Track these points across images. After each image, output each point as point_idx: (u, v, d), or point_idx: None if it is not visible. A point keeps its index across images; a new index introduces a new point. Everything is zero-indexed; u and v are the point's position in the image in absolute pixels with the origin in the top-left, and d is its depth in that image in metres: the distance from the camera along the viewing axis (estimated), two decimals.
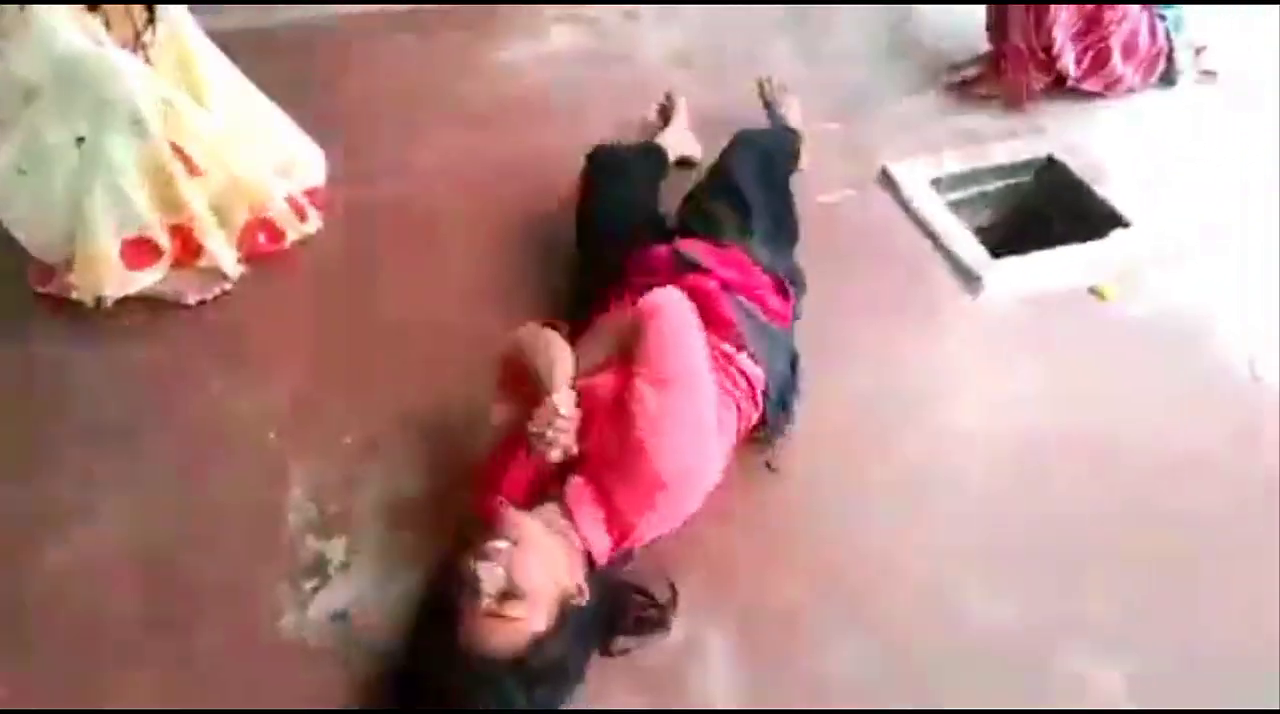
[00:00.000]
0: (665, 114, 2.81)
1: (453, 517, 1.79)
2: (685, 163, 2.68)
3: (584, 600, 1.47)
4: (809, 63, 3.23)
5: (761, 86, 2.78)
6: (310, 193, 2.59)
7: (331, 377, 2.14)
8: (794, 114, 2.74)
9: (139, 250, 2.24)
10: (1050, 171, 2.83)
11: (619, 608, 1.60)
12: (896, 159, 2.76)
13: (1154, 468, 1.97)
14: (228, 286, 2.35)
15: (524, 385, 1.68)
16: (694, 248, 2.00)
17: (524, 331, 1.77)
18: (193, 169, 2.22)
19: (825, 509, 1.90)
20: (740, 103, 2.82)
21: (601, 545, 1.55)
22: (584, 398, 1.62)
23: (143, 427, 2.03)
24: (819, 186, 2.67)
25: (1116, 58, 2.98)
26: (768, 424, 1.90)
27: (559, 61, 3.21)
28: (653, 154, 2.54)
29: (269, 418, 2.04)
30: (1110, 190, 2.67)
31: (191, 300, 2.32)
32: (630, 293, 1.90)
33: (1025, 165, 2.86)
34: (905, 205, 2.62)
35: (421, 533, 1.81)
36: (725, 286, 1.92)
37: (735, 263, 1.99)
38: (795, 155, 2.50)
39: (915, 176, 2.69)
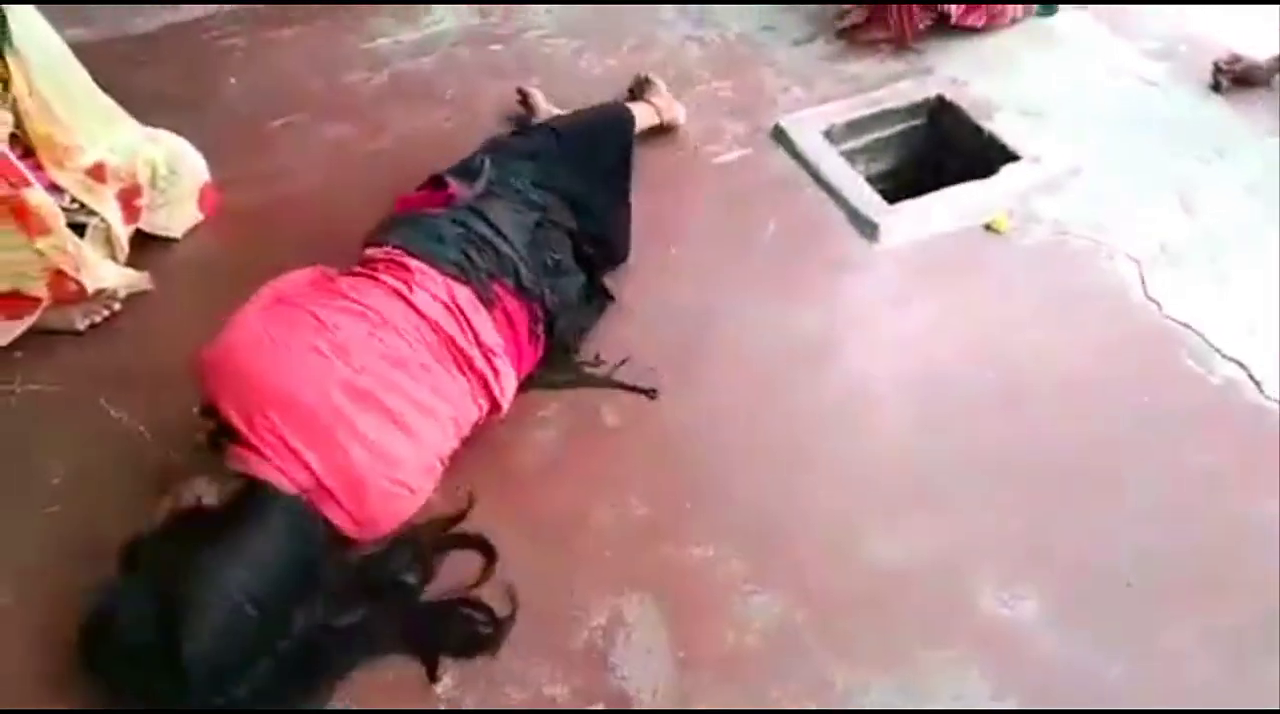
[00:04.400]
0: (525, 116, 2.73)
1: None
2: None
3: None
4: (694, 24, 3.19)
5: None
6: (202, 195, 2.51)
7: None
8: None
9: (12, 304, 2.14)
10: (942, 111, 2.85)
11: (441, 623, 1.62)
12: (788, 113, 2.76)
13: (1055, 396, 2.02)
14: (117, 306, 2.27)
15: None
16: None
17: None
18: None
19: (734, 462, 1.91)
20: (632, 67, 2.80)
21: (257, 467, 1.58)
22: None
23: (36, 461, 1.95)
24: (715, 147, 2.68)
25: None
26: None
27: (441, 44, 3.14)
28: None
29: (172, 439, 1.97)
30: (999, 125, 2.70)
31: (81, 326, 2.23)
32: None
33: (917, 107, 2.87)
34: (800, 159, 2.62)
35: None
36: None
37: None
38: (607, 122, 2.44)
39: (807, 129, 2.69)
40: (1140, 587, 1.70)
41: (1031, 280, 2.28)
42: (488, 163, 2.09)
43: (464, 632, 1.61)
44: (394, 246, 1.85)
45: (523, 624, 1.64)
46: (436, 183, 2.10)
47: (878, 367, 2.09)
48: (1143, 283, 2.24)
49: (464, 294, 1.81)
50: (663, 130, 2.67)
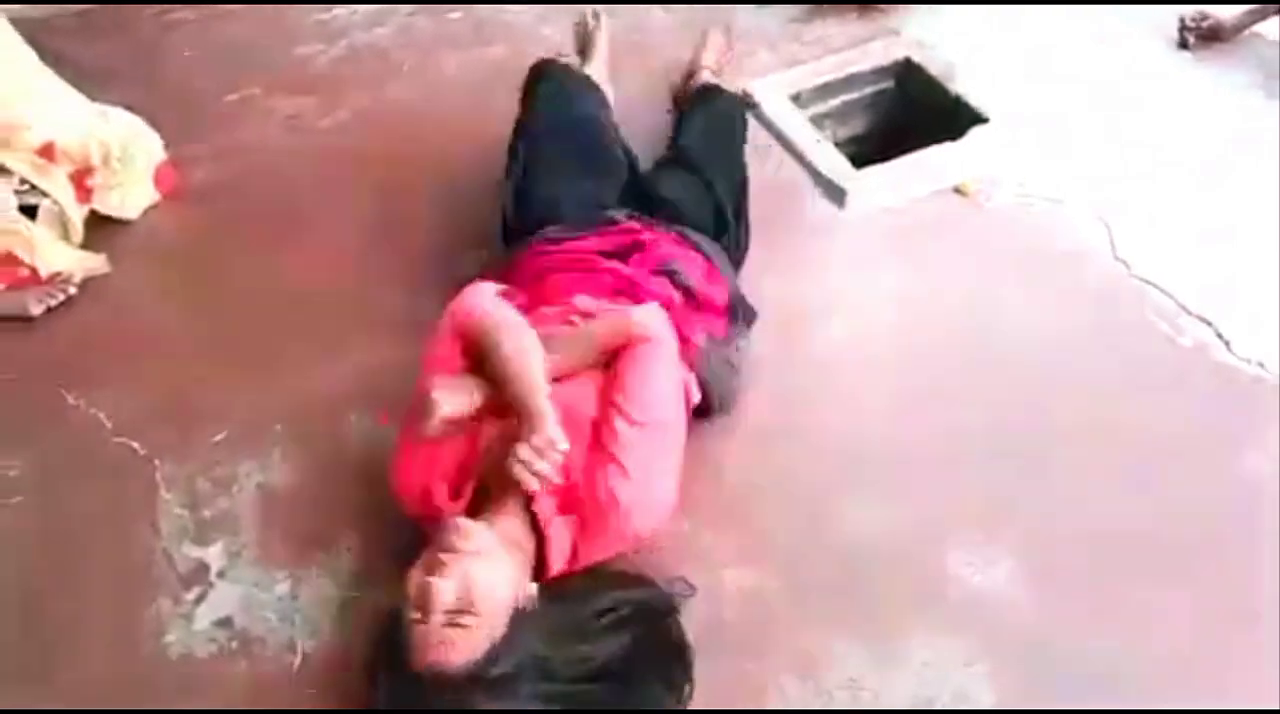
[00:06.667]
0: (584, 43, 2.60)
1: (334, 506, 1.77)
2: None
3: (531, 606, 1.38)
4: None
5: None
6: (158, 174, 2.45)
7: (194, 372, 2.04)
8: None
9: None
10: (909, 74, 2.82)
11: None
12: (754, 77, 2.72)
13: (1026, 360, 2.01)
14: (73, 290, 2.22)
15: (468, 364, 1.59)
16: (684, 262, 1.86)
17: (487, 313, 1.59)
18: None
19: (706, 436, 1.87)
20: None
21: (558, 568, 1.49)
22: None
23: None
24: None
25: None
26: None
27: (398, 12, 3.06)
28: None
29: (132, 425, 1.94)
30: (967, 86, 2.67)
31: (36, 311, 2.17)
32: (597, 275, 1.80)
33: (884, 70, 2.84)
34: (768, 125, 2.58)
35: (302, 526, 1.76)
36: (698, 308, 1.82)
37: (714, 288, 1.88)
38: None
39: (774, 94, 2.65)
40: (1113, 550, 1.70)
41: (1001, 243, 2.27)
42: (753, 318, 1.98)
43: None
44: (700, 384, 1.75)
45: None
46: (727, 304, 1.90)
47: (848, 334, 2.08)
48: (1111, 244, 2.24)
49: None
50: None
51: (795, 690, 1.54)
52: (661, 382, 1.57)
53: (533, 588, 1.41)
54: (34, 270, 2.13)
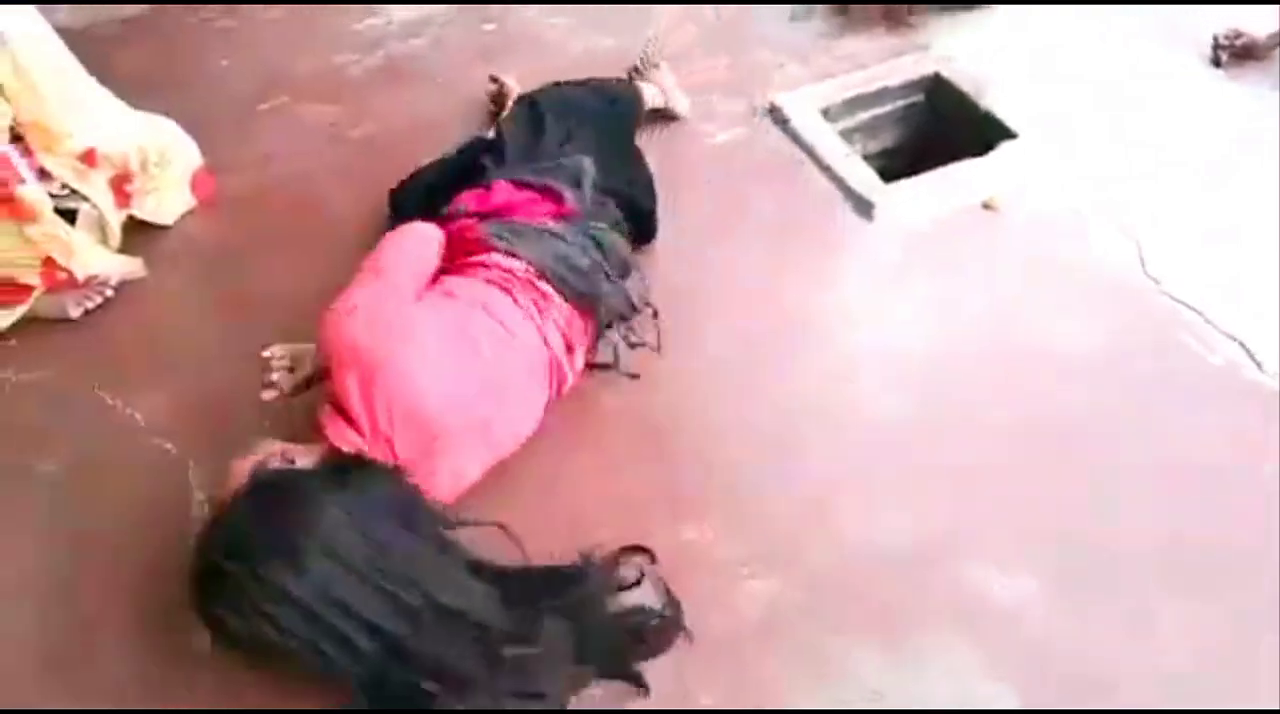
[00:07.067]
0: (500, 101, 2.67)
1: None
2: None
3: (285, 463, 1.56)
4: (689, 2, 3.16)
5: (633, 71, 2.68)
6: (195, 180, 2.49)
7: (227, 376, 2.06)
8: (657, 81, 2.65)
9: (5, 292, 2.12)
10: (939, 88, 2.83)
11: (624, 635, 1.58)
12: (784, 90, 2.73)
13: (1051, 376, 2.01)
14: (110, 293, 2.26)
15: None
16: (466, 200, 2.04)
17: None
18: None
19: (728, 443, 1.91)
20: (626, 47, 2.77)
21: (350, 439, 1.59)
22: None
23: (31, 450, 1.94)
24: (710, 126, 2.66)
25: None
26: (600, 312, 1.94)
27: (433, 23, 3.10)
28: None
29: (166, 426, 1.97)
30: (996, 101, 2.68)
31: (74, 314, 2.22)
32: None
33: (914, 85, 2.85)
34: (796, 138, 2.60)
35: None
36: (482, 217, 1.96)
37: (497, 191, 2.03)
38: (613, 93, 2.47)
39: (804, 107, 2.67)
40: (1137, 563, 1.70)
41: (1028, 259, 2.27)
42: (589, 168, 2.09)
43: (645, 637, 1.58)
44: (529, 263, 1.85)
45: None
46: (535, 185, 2.06)
47: (874, 345, 2.09)
48: (1141, 261, 2.23)
49: (579, 325, 1.90)
50: (662, 115, 2.64)
51: (812, 700, 1.54)
52: (378, 251, 1.83)
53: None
54: (71, 274, 2.16)
